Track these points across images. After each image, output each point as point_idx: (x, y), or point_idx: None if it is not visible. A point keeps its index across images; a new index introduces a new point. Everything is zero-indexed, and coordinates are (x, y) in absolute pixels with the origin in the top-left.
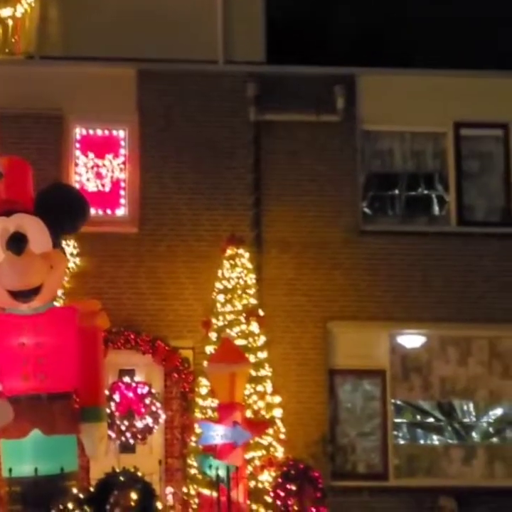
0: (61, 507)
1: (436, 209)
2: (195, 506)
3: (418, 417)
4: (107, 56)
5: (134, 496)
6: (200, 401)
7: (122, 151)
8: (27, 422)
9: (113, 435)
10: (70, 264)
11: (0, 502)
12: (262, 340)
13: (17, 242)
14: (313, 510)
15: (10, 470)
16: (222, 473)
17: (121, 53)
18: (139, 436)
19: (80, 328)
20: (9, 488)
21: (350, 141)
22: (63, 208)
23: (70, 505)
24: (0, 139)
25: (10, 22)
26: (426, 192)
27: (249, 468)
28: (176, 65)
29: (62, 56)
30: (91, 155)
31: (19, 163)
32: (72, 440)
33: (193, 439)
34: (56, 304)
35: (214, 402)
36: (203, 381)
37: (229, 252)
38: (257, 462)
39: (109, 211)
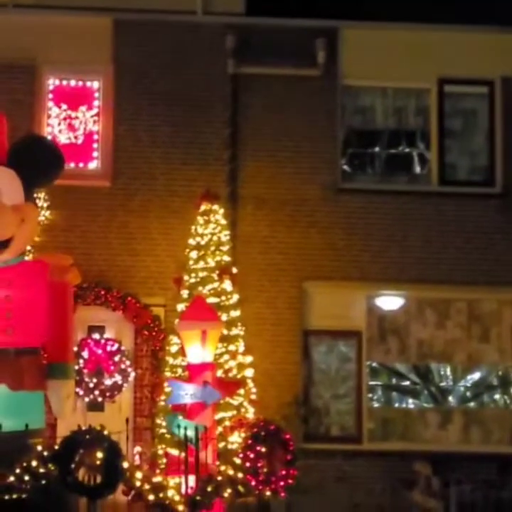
0: (25, 464)
1: (417, 168)
2: (162, 466)
3: (394, 380)
4: (82, 5)
5: (99, 454)
6: (170, 360)
7: (96, 103)
8: None
9: (81, 392)
10: (40, 218)
11: None
12: (234, 298)
13: None
14: (284, 472)
15: None
16: (190, 433)
17: (97, 3)
18: (108, 394)
19: (50, 283)
20: None
21: (331, 96)
22: (37, 160)
23: (34, 463)
24: None
25: None
26: (407, 150)
27: (219, 429)
28: (153, 15)
29: (35, 4)
30: (64, 106)
31: None
32: (39, 396)
33: (163, 398)
34: (26, 258)
35: (184, 361)
36: (174, 339)
37: (203, 207)
38: (227, 423)
39: (81, 164)
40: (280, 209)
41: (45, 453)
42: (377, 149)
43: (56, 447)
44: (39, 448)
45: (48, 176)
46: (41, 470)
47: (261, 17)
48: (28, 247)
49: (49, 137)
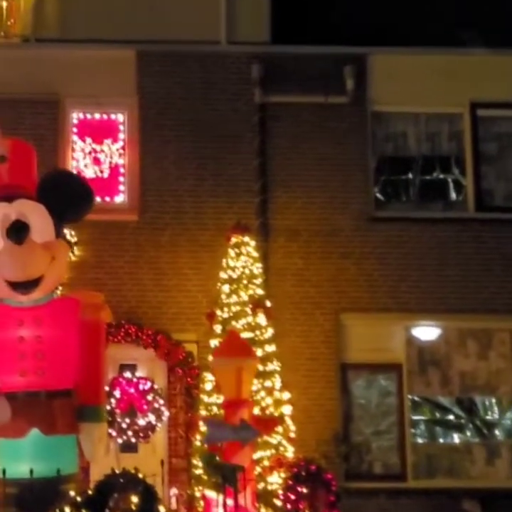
0: (57, 511)
1: (452, 194)
2: (200, 509)
3: (437, 414)
4: (105, 38)
5: (134, 498)
6: (205, 397)
7: (121, 136)
8: (25, 421)
9: (114, 433)
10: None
11: None
12: (269, 332)
13: (18, 231)
14: None
15: (4, 471)
16: (228, 474)
17: (120, 35)
18: (141, 435)
19: (82, 322)
20: (3, 490)
21: (361, 124)
22: (67, 196)
23: (67, 510)
24: None
25: (4, 4)
26: (442, 176)
27: (258, 470)
28: (177, 46)
29: (58, 38)
30: (89, 140)
31: (23, 147)
32: (71, 440)
33: (198, 437)
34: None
35: (220, 399)
36: (208, 376)
37: (234, 240)
38: (266, 463)
39: (107, 198)
40: (313, 240)
41: (79, 499)
42: (410, 176)
43: (89, 492)
44: (72, 493)
45: (79, 210)
46: None
47: (287, 45)
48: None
49: (76, 172)
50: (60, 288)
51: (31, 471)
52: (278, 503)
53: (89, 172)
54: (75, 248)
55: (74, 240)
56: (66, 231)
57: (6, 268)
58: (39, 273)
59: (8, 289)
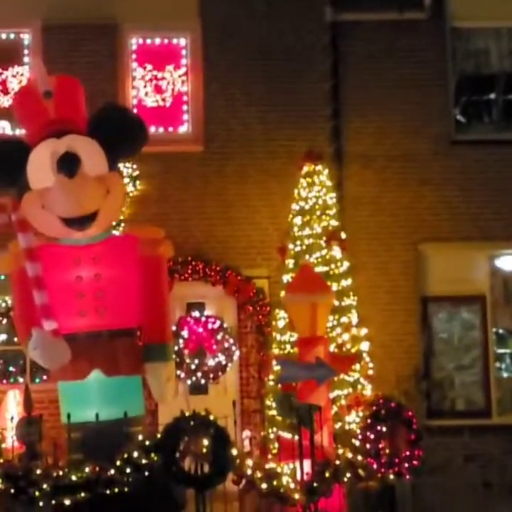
0: (125, 455)
1: None
2: (274, 452)
3: None
4: None
5: (206, 441)
6: (277, 335)
7: (183, 62)
8: (86, 362)
9: (182, 375)
10: (130, 188)
11: (59, 450)
12: (345, 266)
13: (69, 163)
14: (407, 453)
15: (68, 415)
16: (304, 414)
17: None
18: (211, 376)
19: (141, 258)
20: (69, 435)
21: (440, 41)
22: (119, 129)
23: (135, 454)
24: (47, 53)
25: None
26: None
27: (335, 409)
28: None
29: None
30: (149, 67)
31: (69, 81)
32: (136, 381)
33: (271, 377)
34: (115, 232)
35: (293, 337)
36: (281, 313)
37: (306, 169)
38: (343, 402)
39: (171, 128)
40: (389, 166)
41: (147, 442)
42: (493, 96)
43: (158, 436)
44: (140, 437)
45: (132, 146)
46: (143, 461)
47: None
48: (118, 222)
49: (133, 101)
50: (123, 225)
51: (97, 415)
52: (356, 443)
53: (150, 101)
54: (137, 182)
55: (136, 173)
56: (128, 165)
57: (59, 204)
58: (94, 207)
59: (63, 227)
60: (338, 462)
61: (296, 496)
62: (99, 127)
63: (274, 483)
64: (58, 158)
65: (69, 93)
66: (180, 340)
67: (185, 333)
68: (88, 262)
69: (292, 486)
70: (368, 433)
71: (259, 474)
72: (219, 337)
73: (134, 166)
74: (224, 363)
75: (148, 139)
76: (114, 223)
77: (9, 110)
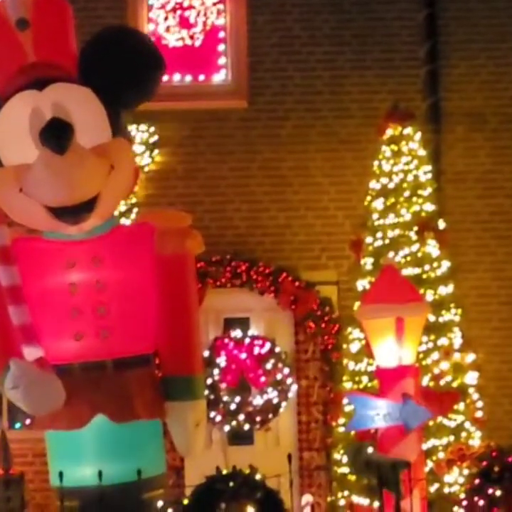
0: None
1: None
2: None
3: None
4: None
5: (251, 510)
6: (350, 363)
7: None
8: (86, 405)
9: (218, 418)
10: (145, 161)
11: None
12: (444, 266)
13: (58, 135)
14: None
15: (61, 475)
16: (386, 472)
17: None
18: (258, 420)
19: (159, 257)
20: (61, 503)
21: None
22: (123, 67)
23: None
24: None
25: None
26: None
27: (430, 465)
28: None
29: None
30: None
31: (54, 4)
32: (154, 428)
33: (341, 421)
34: (124, 221)
35: (372, 365)
36: (355, 333)
37: (390, 132)
38: (441, 455)
39: (202, 77)
40: (506, 129)
41: (170, 511)
42: None
43: (185, 502)
44: (160, 504)
45: (143, 88)
46: None
47: None
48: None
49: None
50: (135, 210)
51: (100, 475)
52: (459, 511)
53: (174, 39)
54: (155, 152)
55: (153, 139)
56: (142, 127)
57: (45, 189)
58: (93, 191)
59: (49, 219)
60: None
61: None
62: (92, 66)
63: None
64: (43, 127)
65: (53, 21)
66: (216, 370)
67: (221, 360)
68: (86, 263)
69: None
70: (476, 498)
71: None
72: (269, 366)
73: (151, 129)
74: (276, 401)
75: (163, 71)
76: (120, 209)
77: None
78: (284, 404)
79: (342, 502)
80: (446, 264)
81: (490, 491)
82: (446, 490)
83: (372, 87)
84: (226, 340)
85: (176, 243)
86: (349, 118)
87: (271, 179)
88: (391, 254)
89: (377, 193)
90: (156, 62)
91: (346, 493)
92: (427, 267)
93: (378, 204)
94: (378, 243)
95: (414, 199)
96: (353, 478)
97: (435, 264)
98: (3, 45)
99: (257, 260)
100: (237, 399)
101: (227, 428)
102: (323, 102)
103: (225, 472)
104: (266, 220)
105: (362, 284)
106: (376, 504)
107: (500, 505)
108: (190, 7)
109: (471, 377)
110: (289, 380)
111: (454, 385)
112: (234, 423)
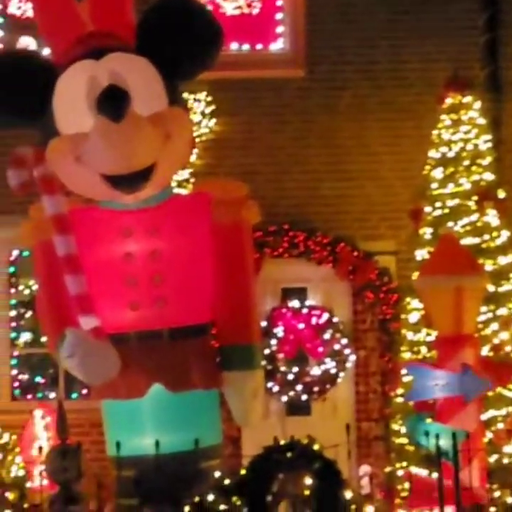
0: (196, 500)
1: None
2: (405, 493)
3: None
4: None
5: (308, 481)
6: (408, 334)
7: None
8: (143, 374)
9: (276, 388)
10: (201, 130)
11: (105, 492)
12: (503, 236)
13: (114, 102)
14: None
15: (118, 445)
16: (445, 443)
17: None
18: (316, 390)
19: (216, 226)
20: (118, 473)
21: None
22: (181, 38)
23: (211, 496)
24: None
25: None
26: None
27: (489, 435)
28: None
29: None
30: None
31: None
32: (211, 398)
33: (400, 391)
34: (180, 190)
35: (431, 335)
36: (413, 303)
37: (449, 101)
38: (501, 425)
39: (259, 46)
40: None
41: (227, 482)
42: None
43: (242, 472)
44: (217, 474)
45: (201, 58)
46: (222, 506)
47: None
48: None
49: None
50: (192, 180)
51: (157, 444)
52: None
53: (231, 8)
54: (212, 121)
55: (210, 109)
56: (199, 96)
57: (101, 157)
58: (149, 160)
59: (105, 188)
60: (493, 510)
61: None
62: (150, 36)
63: None
64: (99, 94)
65: None
66: (273, 341)
67: (279, 330)
68: (142, 233)
69: None
70: None
71: None
72: (327, 336)
73: (208, 99)
74: (334, 371)
75: (222, 46)
76: (177, 178)
77: (35, 22)
78: (341, 374)
79: (400, 472)
80: (505, 234)
81: None
82: (505, 460)
83: (431, 56)
84: (284, 311)
85: (233, 213)
86: (408, 87)
87: (329, 149)
88: (450, 223)
89: (436, 163)
90: (214, 34)
91: (404, 463)
92: (486, 237)
93: (437, 173)
94: (437, 213)
95: (474, 168)
96: (411, 448)
97: (494, 234)
98: (61, 15)
99: (315, 230)
100: (295, 369)
101: (284, 398)
102: (381, 71)
103: (282, 442)
104: (324, 190)
105: (421, 254)
106: (435, 475)
107: None
108: None
109: None
110: (347, 351)
111: None
112: (291, 393)
